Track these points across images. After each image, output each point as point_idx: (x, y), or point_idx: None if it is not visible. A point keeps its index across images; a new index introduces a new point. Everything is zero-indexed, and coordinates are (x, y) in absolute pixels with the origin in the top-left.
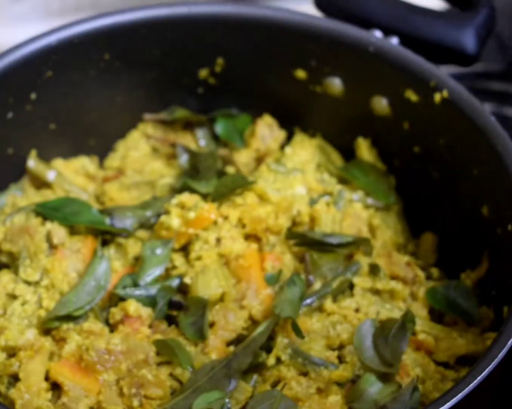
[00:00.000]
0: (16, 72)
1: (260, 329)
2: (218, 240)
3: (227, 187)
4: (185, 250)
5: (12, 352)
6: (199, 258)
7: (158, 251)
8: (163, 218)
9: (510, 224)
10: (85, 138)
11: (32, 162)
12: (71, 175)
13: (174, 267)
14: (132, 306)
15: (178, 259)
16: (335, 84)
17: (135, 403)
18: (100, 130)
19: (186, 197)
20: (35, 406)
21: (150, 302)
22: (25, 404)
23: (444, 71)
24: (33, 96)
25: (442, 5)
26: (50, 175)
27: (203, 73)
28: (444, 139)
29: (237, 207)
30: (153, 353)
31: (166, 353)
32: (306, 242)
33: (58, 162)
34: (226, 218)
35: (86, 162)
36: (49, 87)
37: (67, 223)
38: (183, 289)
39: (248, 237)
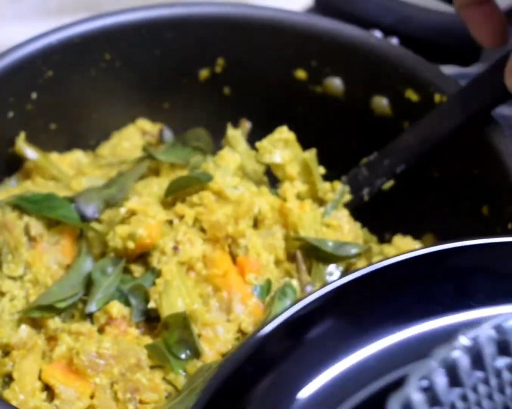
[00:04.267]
0: (17, 72)
1: None
2: (176, 247)
3: (180, 185)
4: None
5: (5, 350)
6: (159, 274)
7: (109, 270)
8: (109, 238)
9: (510, 223)
10: (86, 138)
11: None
12: (65, 168)
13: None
14: (115, 308)
15: (137, 270)
16: (335, 84)
17: (130, 407)
18: (101, 131)
19: (135, 203)
20: (31, 406)
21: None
22: (20, 404)
23: (444, 71)
24: (33, 95)
25: (442, 5)
26: (29, 153)
27: (204, 73)
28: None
29: (193, 206)
30: (145, 356)
31: (158, 358)
32: (308, 250)
33: (53, 156)
34: (182, 217)
35: (80, 156)
36: (50, 87)
37: (41, 215)
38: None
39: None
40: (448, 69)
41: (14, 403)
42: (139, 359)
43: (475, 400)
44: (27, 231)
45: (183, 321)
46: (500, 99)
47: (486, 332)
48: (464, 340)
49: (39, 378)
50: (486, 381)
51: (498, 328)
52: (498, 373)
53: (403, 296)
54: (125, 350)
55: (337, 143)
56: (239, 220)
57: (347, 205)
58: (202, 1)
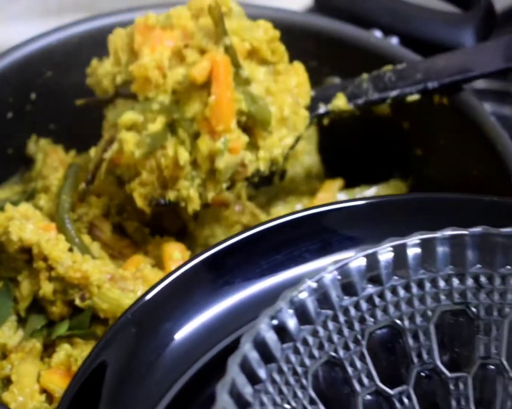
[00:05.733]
0: (16, 72)
1: None
2: None
3: None
4: None
5: (3, 350)
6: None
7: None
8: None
9: None
10: (85, 138)
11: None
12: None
13: None
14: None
15: None
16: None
17: None
18: (100, 131)
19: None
20: (31, 408)
21: None
22: (19, 406)
23: None
24: (33, 96)
25: (442, 5)
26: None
27: None
28: (444, 140)
29: None
30: None
31: None
32: None
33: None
34: None
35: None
36: (49, 87)
37: None
38: None
39: None
40: None
41: (13, 405)
42: None
43: (326, 335)
44: None
45: None
46: None
47: (330, 274)
48: (309, 282)
49: (38, 381)
50: (335, 319)
51: (341, 270)
52: (345, 311)
53: (272, 256)
54: None
55: (336, 143)
56: None
57: (371, 102)
58: None
